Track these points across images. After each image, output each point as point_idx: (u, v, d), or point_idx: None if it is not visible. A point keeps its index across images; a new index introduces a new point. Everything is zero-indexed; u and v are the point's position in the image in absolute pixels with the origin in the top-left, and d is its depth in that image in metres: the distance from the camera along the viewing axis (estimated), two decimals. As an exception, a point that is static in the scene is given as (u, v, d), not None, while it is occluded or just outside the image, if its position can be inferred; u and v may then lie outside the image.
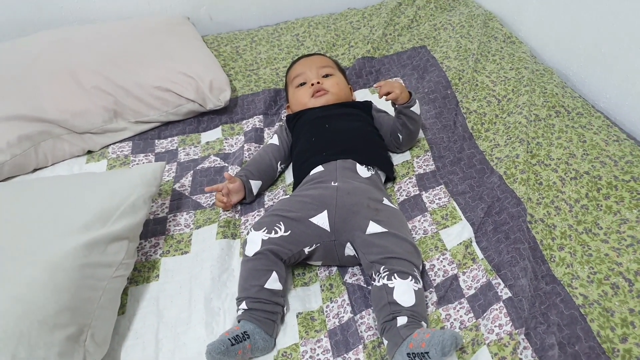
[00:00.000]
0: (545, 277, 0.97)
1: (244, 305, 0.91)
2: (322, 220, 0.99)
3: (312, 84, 1.27)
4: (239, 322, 0.90)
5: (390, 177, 1.20)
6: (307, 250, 0.99)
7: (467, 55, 1.50)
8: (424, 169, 1.23)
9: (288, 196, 1.12)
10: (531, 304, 0.92)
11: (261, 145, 1.30)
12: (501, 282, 0.95)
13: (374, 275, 0.94)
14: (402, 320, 0.86)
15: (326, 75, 1.31)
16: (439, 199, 1.15)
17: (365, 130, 1.22)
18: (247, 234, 0.98)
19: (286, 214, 1.00)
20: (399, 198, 1.17)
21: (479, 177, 1.19)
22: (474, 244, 1.05)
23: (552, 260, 1.00)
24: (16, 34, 1.50)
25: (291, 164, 1.24)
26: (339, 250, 1.00)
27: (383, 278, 0.91)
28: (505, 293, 0.93)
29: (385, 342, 0.87)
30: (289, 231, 0.97)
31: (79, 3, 1.57)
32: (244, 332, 0.86)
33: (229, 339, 0.84)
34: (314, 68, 1.31)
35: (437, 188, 1.18)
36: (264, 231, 0.96)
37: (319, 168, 1.11)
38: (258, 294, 0.92)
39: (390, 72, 1.53)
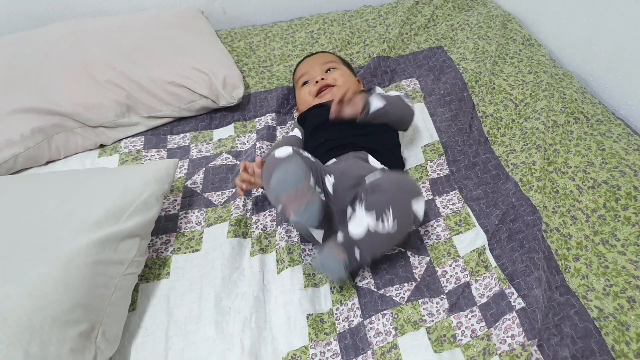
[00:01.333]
0: (560, 288, 0.96)
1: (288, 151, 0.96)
2: (329, 182, 1.00)
3: (316, 82, 1.26)
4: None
5: None
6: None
7: (484, 57, 1.48)
8: (438, 174, 1.21)
9: None
10: (545, 315, 0.90)
11: (273, 143, 1.29)
12: (514, 292, 0.94)
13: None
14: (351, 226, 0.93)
15: (329, 70, 1.30)
16: (453, 204, 1.14)
17: (376, 127, 1.18)
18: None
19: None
20: (412, 202, 1.15)
21: (494, 183, 1.17)
22: (488, 251, 1.04)
23: (567, 270, 0.99)
24: (30, 26, 1.50)
25: None
26: (342, 219, 0.99)
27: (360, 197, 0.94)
28: (518, 303, 0.92)
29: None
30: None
31: (94, -6, 1.57)
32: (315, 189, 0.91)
33: (314, 216, 0.91)
34: (316, 65, 1.31)
35: (451, 193, 1.16)
36: (292, 147, 0.97)
37: (332, 160, 1.11)
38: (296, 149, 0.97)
39: (406, 72, 1.51)
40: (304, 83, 1.30)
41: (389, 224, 0.91)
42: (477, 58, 1.48)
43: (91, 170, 1.12)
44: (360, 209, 0.93)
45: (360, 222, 0.92)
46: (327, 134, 1.16)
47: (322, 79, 1.27)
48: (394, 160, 1.16)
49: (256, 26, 1.70)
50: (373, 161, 1.10)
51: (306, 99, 1.28)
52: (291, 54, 1.57)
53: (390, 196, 0.93)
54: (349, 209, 0.98)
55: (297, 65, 1.39)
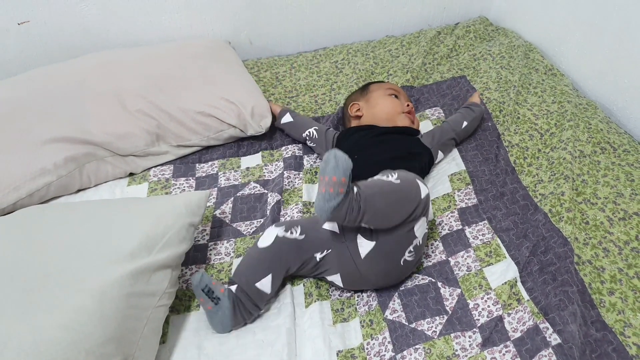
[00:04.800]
0: (596, 323, 0.94)
1: (232, 287, 0.97)
2: (332, 225, 1.01)
3: (408, 104, 1.31)
4: (227, 285, 0.99)
5: None
6: (318, 256, 1.00)
7: (507, 86, 1.49)
8: (466, 203, 1.21)
9: None
10: (582, 352, 0.89)
11: (300, 173, 1.30)
12: (549, 327, 0.93)
13: None
14: None
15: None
16: (483, 234, 1.13)
17: (403, 160, 1.19)
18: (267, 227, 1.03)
19: (304, 221, 1.04)
20: (440, 232, 1.15)
21: (523, 214, 1.16)
22: (519, 284, 1.03)
23: (601, 305, 0.97)
24: (65, 57, 1.54)
25: None
26: (354, 250, 0.99)
27: None
28: (554, 339, 0.90)
29: None
30: (304, 235, 1.00)
31: (125, 27, 1.61)
32: (218, 298, 0.94)
33: (208, 287, 0.94)
34: (404, 95, 1.36)
35: (480, 223, 1.16)
36: (282, 228, 1.00)
37: None
38: (246, 288, 0.97)
39: (430, 101, 1.52)
40: (392, 95, 1.33)
41: (392, 176, 0.98)
42: (500, 88, 1.49)
43: (123, 200, 1.13)
44: None
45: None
46: (361, 153, 1.17)
47: (408, 105, 1.32)
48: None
49: (282, 56, 1.73)
50: None
51: (395, 108, 1.30)
52: (316, 84, 1.60)
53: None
54: None
55: (381, 81, 1.45)
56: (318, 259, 1.01)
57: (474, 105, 1.38)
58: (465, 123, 1.33)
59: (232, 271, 1.04)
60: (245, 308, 0.97)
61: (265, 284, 0.98)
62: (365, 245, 0.98)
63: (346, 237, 1.00)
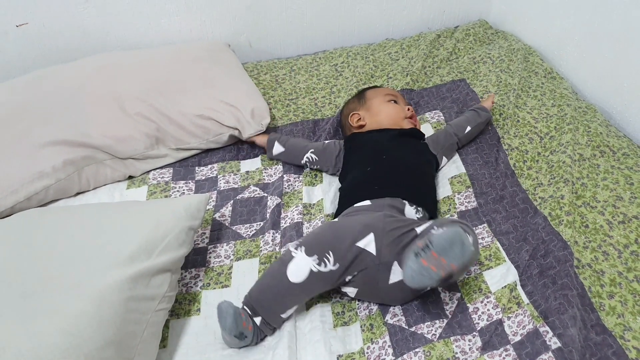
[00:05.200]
0: (595, 327, 0.94)
1: (257, 320, 0.94)
2: (369, 244, 0.97)
3: (408, 108, 1.31)
4: (245, 310, 0.95)
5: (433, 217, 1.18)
6: (348, 278, 0.97)
7: (507, 90, 1.49)
8: (466, 206, 1.21)
9: (331, 221, 1.10)
10: (581, 356, 0.89)
11: (300, 176, 1.30)
12: (549, 331, 0.92)
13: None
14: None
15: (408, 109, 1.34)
16: (482, 238, 1.13)
17: (421, 166, 1.21)
18: (296, 248, 0.95)
19: (336, 241, 0.96)
20: (440, 236, 1.15)
21: (523, 217, 1.16)
22: (519, 287, 1.02)
23: (601, 308, 0.97)
24: (63, 59, 1.54)
25: (338, 188, 1.24)
26: (383, 275, 0.97)
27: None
28: (554, 342, 0.90)
29: (401, 259, 0.92)
30: (338, 264, 0.95)
31: (124, 30, 1.61)
32: (245, 336, 0.92)
33: (240, 332, 0.90)
34: (402, 99, 1.35)
35: (480, 227, 1.16)
36: (315, 260, 0.93)
37: (366, 202, 1.09)
38: (271, 319, 0.95)
39: (430, 104, 1.52)
40: (391, 100, 1.32)
41: (469, 239, 0.91)
42: (500, 91, 1.49)
43: (122, 203, 1.13)
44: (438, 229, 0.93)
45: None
46: (375, 165, 1.16)
47: (409, 109, 1.31)
48: (431, 203, 1.16)
49: (281, 59, 1.73)
50: (409, 212, 1.09)
51: (397, 114, 1.29)
52: (316, 86, 1.60)
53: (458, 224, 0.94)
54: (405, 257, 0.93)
55: (375, 86, 1.44)
56: (347, 280, 0.98)
57: (482, 110, 1.36)
58: (469, 128, 1.32)
59: (249, 291, 0.97)
60: (265, 335, 0.97)
61: (289, 313, 0.97)
62: (397, 273, 0.97)
63: (382, 260, 0.97)
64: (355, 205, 1.09)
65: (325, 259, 0.94)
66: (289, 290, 0.94)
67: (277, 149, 1.31)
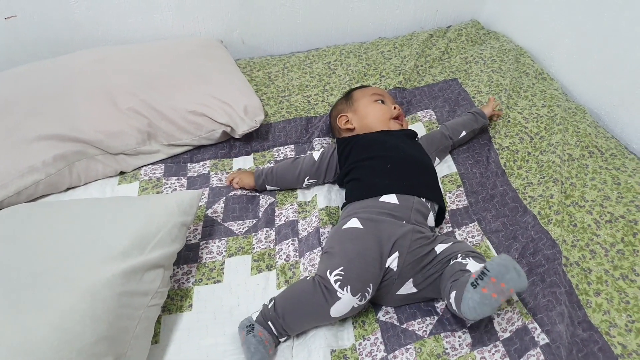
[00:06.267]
0: (582, 324, 0.96)
1: (283, 338, 0.95)
2: (393, 262, 0.99)
3: (395, 107, 1.30)
4: (270, 326, 0.94)
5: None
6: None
7: (499, 90, 1.51)
8: (457, 205, 1.22)
9: (360, 226, 1.02)
10: (568, 352, 0.90)
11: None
12: (538, 327, 0.94)
13: (446, 263, 0.98)
14: (471, 269, 0.93)
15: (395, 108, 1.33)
16: (472, 236, 1.15)
17: (432, 165, 1.22)
18: (342, 288, 0.92)
19: (374, 269, 0.96)
20: (431, 234, 1.16)
21: (512, 216, 1.18)
22: (509, 285, 1.04)
23: (588, 305, 0.99)
24: (54, 53, 1.53)
25: (347, 182, 1.18)
26: (395, 287, 0.99)
27: (457, 259, 0.96)
28: (542, 339, 0.92)
29: (452, 294, 0.90)
30: (373, 294, 0.97)
31: (116, 24, 1.59)
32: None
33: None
34: (389, 98, 1.35)
35: (470, 225, 1.17)
36: (358, 298, 0.94)
37: (393, 198, 1.07)
38: (294, 333, 0.97)
39: (422, 103, 1.53)
40: (379, 100, 1.31)
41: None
42: (491, 91, 1.50)
43: (115, 198, 1.12)
44: (470, 260, 0.95)
45: (476, 265, 0.93)
46: (395, 161, 1.14)
47: (395, 108, 1.30)
48: (442, 197, 1.15)
49: (274, 56, 1.73)
50: (430, 220, 1.09)
51: (383, 116, 1.27)
52: (309, 84, 1.60)
53: (479, 253, 0.99)
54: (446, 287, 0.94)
55: (363, 86, 1.43)
56: None
57: (480, 115, 1.35)
58: (464, 133, 1.32)
59: (280, 312, 0.94)
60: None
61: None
62: (408, 288, 0.99)
63: (400, 276, 0.98)
64: (381, 199, 1.07)
65: (366, 293, 0.95)
66: (326, 321, 0.96)
67: (270, 187, 1.25)
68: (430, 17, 1.91)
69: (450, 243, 1.01)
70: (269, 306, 0.95)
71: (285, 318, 0.93)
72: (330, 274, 0.94)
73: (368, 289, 0.95)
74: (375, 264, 0.97)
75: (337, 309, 0.93)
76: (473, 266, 0.93)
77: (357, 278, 0.94)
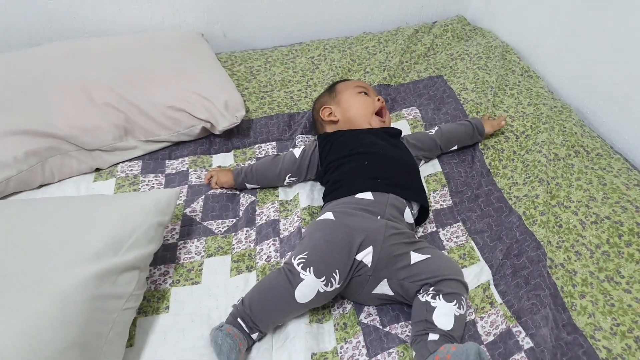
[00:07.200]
0: (567, 327, 0.95)
1: (254, 336, 0.92)
2: (366, 256, 0.96)
3: (379, 99, 1.27)
4: (240, 323, 0.92)
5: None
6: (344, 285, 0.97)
7: (485, 87, 1.49)
8: (441, 204, 1.20)
9: (332, 217, 1.01)
10: (553, 355, 0.89)
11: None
12: (522, 331, 0.93)
13: (420, 292, 0.94)
14: (433, 337, 0.88)
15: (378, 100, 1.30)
16: (457, 237, 1.13)
17: (414, 164, 1.20)
18: (305, 269, 0.91)
19: (340, 257, 0.95)
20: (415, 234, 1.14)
21: (497, 216, 1.17)
22: (492, 287, 1.03)
23: (573, 308, 0.98)
24: (27, 43, 1.47)
25: (326, 180, 1.17)
26: (370, 285, 0.97)
27: (428, 296, 0.92)
28: (526, 342, 0.91)
29: (414, 353, 0.90)
30: (341, 283, 0.94)
31: (92, 15, 1.54)
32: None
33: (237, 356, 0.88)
34: (373, 91, 1.32)
35: (454, 225, 1.16)
36: (323, 281, 0.92)
37: (368, 195, 1.05)
38: (267, 329, 0.94)
39: (406, 101, 1.51)
40: (362, 93, 1.28)
41: (466, 306, 0.95)
42: (477, 89, 1.49)
43: (88, 197, 1.08)
44: (439, 301, 0.91)
45: (445, 313, 0.90)
46: (372, 158, 1.12)
47: (379, 100, 1.28)
48: (423, 196, 1.13)
49: (256, 50, 1.69)
50: (407, 215, 1.07)
51: (366, 109, 1.25)
52: (292, 79, 1.56)
53: (457, 284, 0.94)
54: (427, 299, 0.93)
55: (347, 79, 1.40)
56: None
57: (479, 133, 1.31)
58: (455, 147, 1.31)
59: (247, 303, 0.92)
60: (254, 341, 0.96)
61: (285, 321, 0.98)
62: (384, 289, 0.97)
63: (374, 273, 0.96)
64: (357, 196, 1.06)
65: (332, 279, 0.93)
66: (294, 309, 0.94)
67: (250, 186, 1.22)
68: (415, 12, 1.89)
69: (426, 257, 0.97)
70: (238, 303, 0.94)
71: (252, 308, 0.91)
72: (295, 259, 0.93)
73: (334, 275, 0.92)
74: (342, 252, 0.95)
75: (302, 292, 0.91)
76: (439, 315, 0.90)
77: (321, 261, 0.93)
